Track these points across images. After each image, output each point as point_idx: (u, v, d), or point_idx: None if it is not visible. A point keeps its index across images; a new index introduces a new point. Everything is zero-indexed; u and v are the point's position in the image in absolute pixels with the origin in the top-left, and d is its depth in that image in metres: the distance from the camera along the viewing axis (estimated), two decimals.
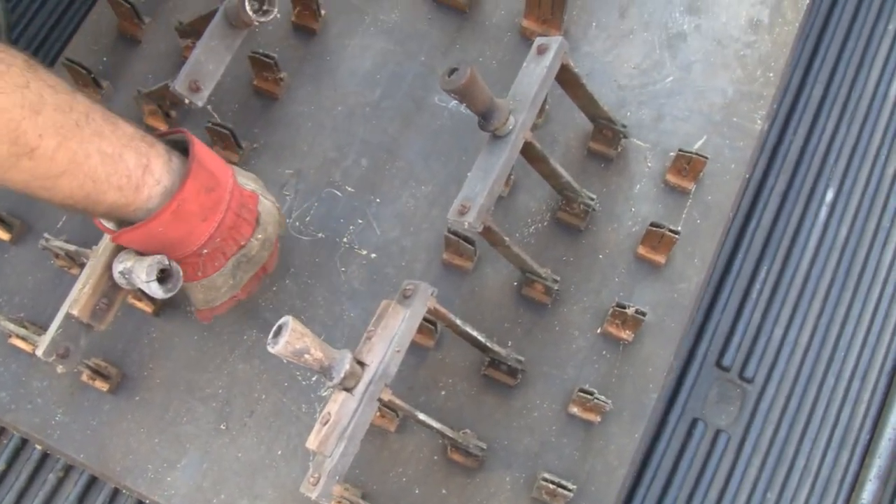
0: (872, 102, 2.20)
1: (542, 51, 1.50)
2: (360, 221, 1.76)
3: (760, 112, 1.79)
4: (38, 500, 1.92)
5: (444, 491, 1.62)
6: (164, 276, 1.40)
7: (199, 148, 1.40)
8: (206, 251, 1.44)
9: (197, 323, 1.72)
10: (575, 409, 1.63)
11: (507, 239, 1.52)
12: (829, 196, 2.13)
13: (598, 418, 1.62)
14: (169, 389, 1.71)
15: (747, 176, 1.78)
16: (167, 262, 1.40)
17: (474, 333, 1.53)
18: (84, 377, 1.70)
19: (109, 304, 1.50)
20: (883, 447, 1.98)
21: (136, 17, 1.90)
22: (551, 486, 1.54)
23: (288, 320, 1.27)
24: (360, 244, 1.75)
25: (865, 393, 2.02)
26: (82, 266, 1.54)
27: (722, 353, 2.03)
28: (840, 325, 2.05)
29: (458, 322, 1.50)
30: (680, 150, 1.68)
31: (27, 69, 1.21)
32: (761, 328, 2.04)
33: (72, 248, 1.66)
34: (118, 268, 1.45)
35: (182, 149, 1.43)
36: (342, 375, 1.33)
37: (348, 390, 1.36)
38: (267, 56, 1.78)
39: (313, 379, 1.68)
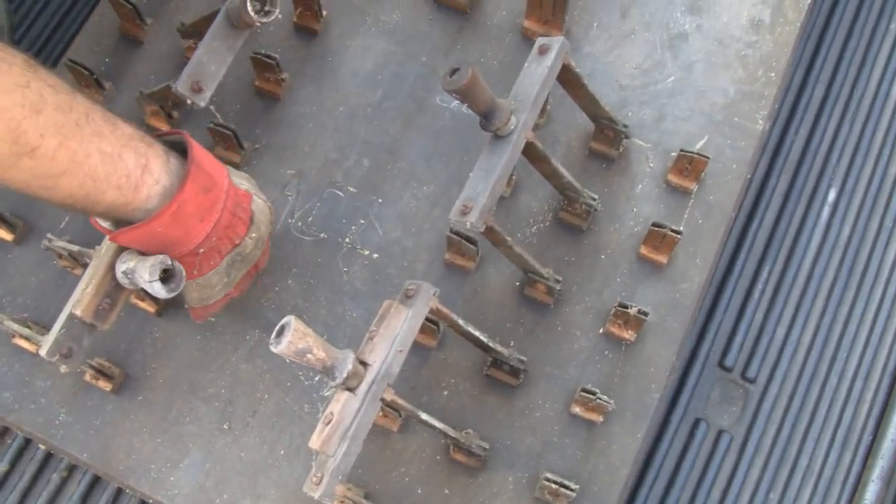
0: (874, 102, 2.20)
1: (543, 51, 1.50)
2: (362, 222, 1.77)
3: (762, 112, 1.79)
4: (42, 500, 1.93)
5: (446, 491, 1.62)
6: (166, 276, 1.41)
7: (198, 150, 1.41)
8: (202, 250, 1.45)
9: (200, 323, 1.73)
10: (577, 409, 1.63)
11: (509, 239, 1.53)
12: (832, 196, 2.13)
13: (601, 418, 1.62)
14: (172, 389, 1.71)
15: (749, 176, 1.78)
16: (170, 262, 1.40)
17: (477, 333, 1.53)
18: (87, 377, 1.70)
19: (112, 304, 1.50)
20: (885, 448, 1.98)
21: (138, 18, 1.90)
22: (554, 485, 1.54)
23: (290, 320, 1.27)
24: (363, 244, 1.75)
25: (868, 393, 2.02)
26: (85, 266, 1.54)
27: (724, 354, 2.03)
28: (843, 325, 2.05)
29: (461, 322, 1.50)
30: (682, 151, 1.68)
31: (27, 69, 1.21)
32: (763, 328, 2.05)
33: (75, 248, 1.67)
34: (121, 268, 1.45)
35: (179, 150, 1.44)
36: (345, 375, 1.33)
37: (351, 390, 1.36)
38: (269, 57, 1.78)
39: (316, 379, 1.68)
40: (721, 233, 1.72)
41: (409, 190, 1.78)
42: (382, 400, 1.39)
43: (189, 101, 1.59)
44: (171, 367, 1.72)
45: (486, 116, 1.43)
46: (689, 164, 1.69)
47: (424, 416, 1.47)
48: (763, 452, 1.98)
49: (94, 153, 1.27)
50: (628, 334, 1.66)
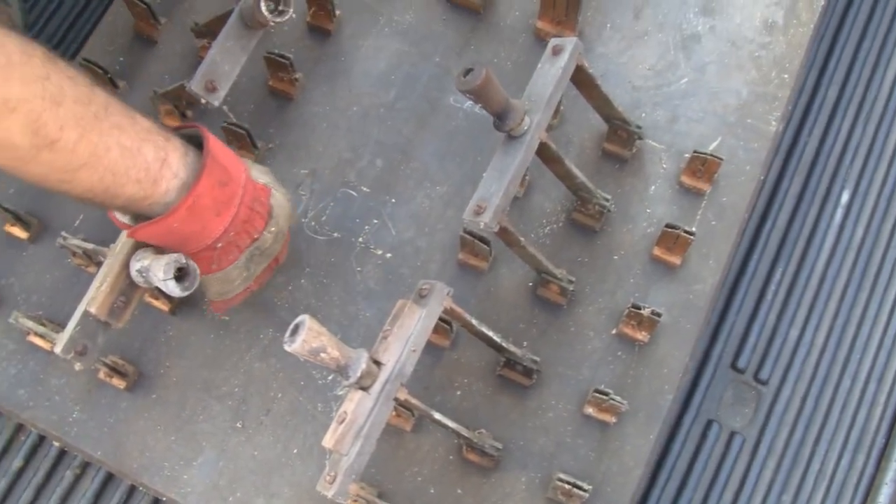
0: (888, 103, 2.19)
1: (557, 51, 1.50)
2: (375, 221, 1.77)
3: (775, 113, 1.78)
4: (56, 497, 1.93)
5: (459, 491, 1.63)
6: (181, 275, 1.41)
7: (214, 143, 1.40)
8: (220, 245, 1.44)
9: (213, 321, 1.73)
10: (590, 410, 1.63)
11: (522, 239, 1.53)
12: (845, 197, 2.13)
13: (614, 419, 1.62)
14: (185, 388, 1.72)
15: (762, 177, 1.78)
16: (184, 261, 1.41)
17: (490, 333, 1.53)
18: (101, 375, 1.71)
19: (127, 302, 1.50)
20: None
21: (152, 17, 1.91)
22: (567, 486, 1.54)
23: (305, 319, 1.28)
24: (376, 244, 1.76)
25: (881, 396, 2.02)
26: (99, 264, 1.54)
27: (737, 355, 2.03)
28: (856, 327, 2.05)
29: (474, 322, 1.50)
30: (695, 152, 1.68)
31: (47, 61, 1.21)
32: (776, 330, 2.04)
33: (89, 246, 1.67)
34: (135, 266, 1.46)
35: (197, 144, 1.44)
36: (359, 374, 1.33)
37: (364, 389, 1.36)
38: (282, 56, 1.79)
39: (329, 378, 1.69)
40: (734, 234, 1.72)
41: (423, 190, 1.78)
42: (396, 399, 1.39)
43: (203, 101, 1.60)
44: (185, 366, 1.73)
45: (500, 117, 1.44)
46: (703, 166, 1.69)
47: (438, 416, 1.47)
48: (776, 454, 1.98)
49: (113, 147, 1.28)
50: (641, 335, 1.66)
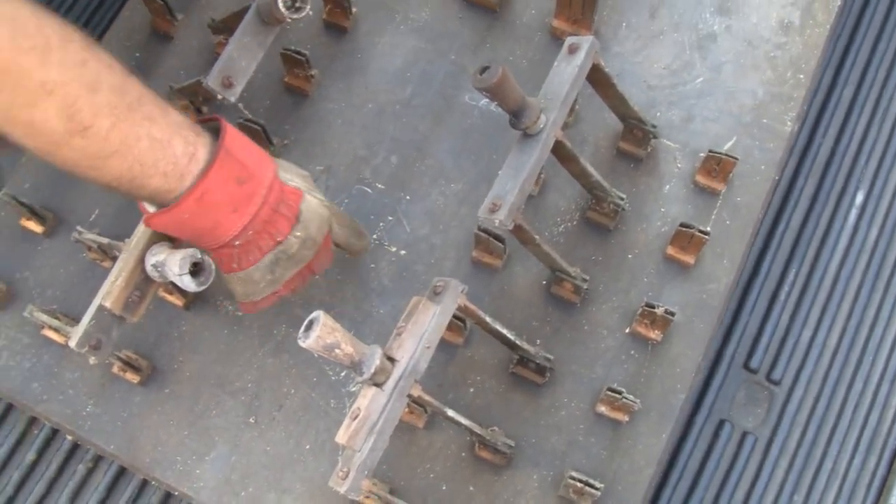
0: None
1: (573, 50, 1.50)
2: (390, 218, 1.77)
3: (790, 113, 1.78)
4: (68, 490, 1.94)
5: (471, 488, 1.63)
6: (196, 270, 1.41)
7: (231, 138, 1.38)
8: (238, 243, 1.42)
9: (227, 317, 1.74)
10: (603, 409, 1.63)
11: (537, 237, 1.53)
12: (859, 198, 2.13)
13: (626, 418, 1.62)
14: (199, 382, 1.72)
15: (777, 177, 1.78)
16: (200, 256, 1.41)
17: (504, 331, 1.53)
18: (115, 369, 1.71)
19: (141, 296, 1.51)
20: None
21: (168, 13, 1.92)
22: (579, 484, 1.54)
23: (319, 315, 1.28)
24: (390, 241, 1.76)
25: (894, 397, 2.01)
26: (114, 259, 1.55)
27: (750, 355, 2.03)
28: (869, 328, 2.04)
29: (488, 319, 1.50)
30: (710, 151, 1.68)
31: (85, 47, 1.21)
32: (789, 330, 2.04)
33: (104, 240, 1.68)
34: (151, 261, 1.46)
35: None
36: (372, 371, 1.33)
37: (378, 385, 1.36)
38: (298, 53, 1.79)
39: (342, 374, 1.69)
40: (749, 234, 1.72)
41: (438, 187, 1.78)
42: (409, 396, 1.39)
43: (219, 96, 1.60)
44: (199, 361, 1.73)
45: (516, 115, 1.44)
46: (718, 165, 1.69)
47: (451, 413, 1.48)
48: (787, 455, 1.98)
49: (144, 137, 1.27)
50: (655, 334, 1.66)
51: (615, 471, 1.61)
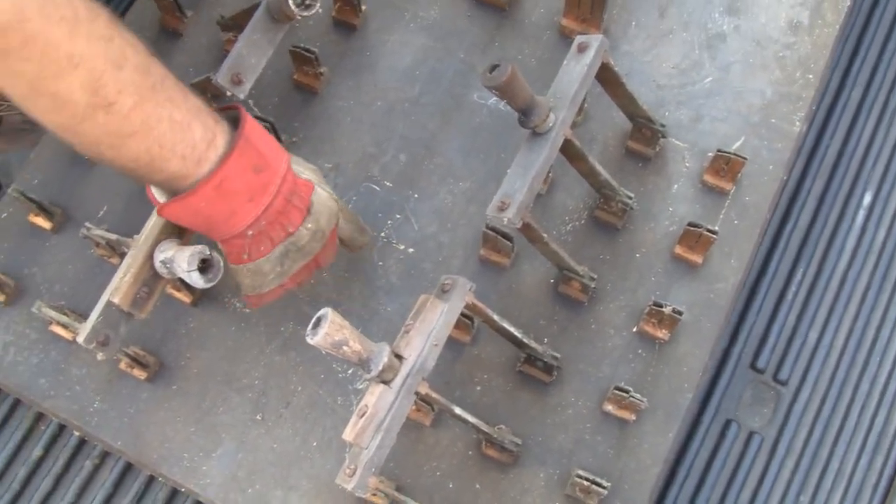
0: None
1: (582, 49, 1.50)
2: (397, 216, 1.77)
3: (799, 114, 1.78)
4: (75, 486, 1.94)
5: (477, 486, 1.63)
6: (205, 266, 1.42)
7: (250, 127, 1.38)
8: (251, 233, 1.42)
9: (235, 314, 1.74)
10: (610, 407, 1.63)
11: (545, 236, 1.53)
12: (867, 199, 2.12)
13: (633, 416, 1.62)
14: (206, 379, 1.72)
15: (785, 178, 1.78)
16: (208, 253, 1.41)
17: (511, 329, 1.53)
18: (122, 365, 1.71)
19: (150, 293, 1.51)
20: None
21: (178, 10, 1.92)
22: (585, 483, 1.54)
23: (327, 312, 1.28)
24: (398, 239, 1.76)
25: None
26: (122, 255, 1.55)
27: (756, 355, 2.02)
28: (876, 329, 2.04)
29: (496, 318, 1.50)
30: (718, 151, 1.68)
31: (112, 23, 1.21)
32: (796, 330, 2.04)
33: (113, 237, 1.68)
34: (159, 257, 1.47)
35: None
36: (380, 368, 1.34)
37: (386, 383, 1.36)
38: (307, 50, 1.79)
39: (349, 371, 1.69)
40: (756, 234, 1.72)
41: (446, 185, 1.78)
42: (417, 393, 1.39)
43: (229, 93, 1.60)
44: (206, 358, 1.74)
45: (525, 113, 1.44)
46: (726, 165, 1.69)
47: (458, 411, 1.48)
48: (794, 455, 1.98)
49: (165, 119, 1.27)
50: (662, 333, 1.66)
51: (622, 469, 1.61)
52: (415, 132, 1.82)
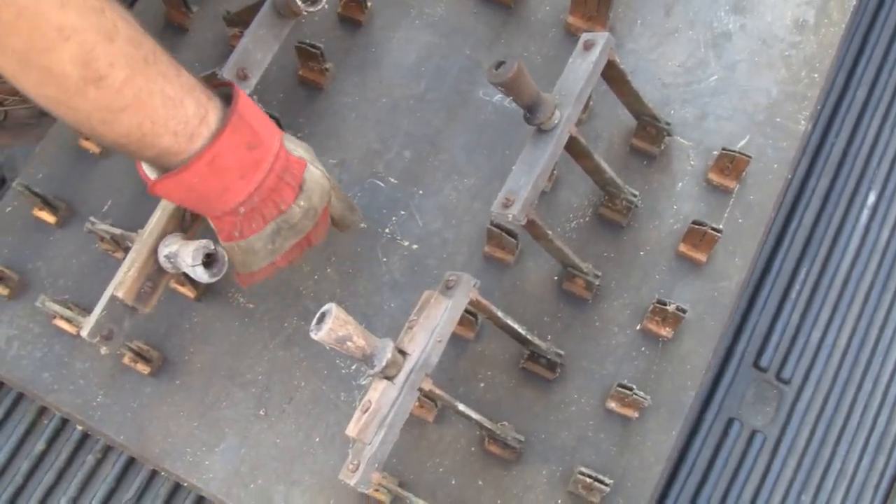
0: None
1: (588, 46, 1.50)
2: (402, 213, 1.77)
3: (804, 113, 1.78)
4: (77, 481, 1.95)
5: (480, 482, 1.63)
6: (209, 261, 1.41)
7: (244, 103, 1.37)
8: (243, 210, 1.41)
9: (238, 309, 1.74)
10: (613, 405, 1.63)
11: (550, 233, 1.53)
12: (871, 199, 2.13)
13: (636, 414, 1.62)
14: (209, 374, 1.72)
15: (789, 176, 1.78)
16: (213, 247, 1.41)
17: (515, 326, 1.53)
18: (126, 360, 1.71)
19: (154, 287, 1.51)
20: None
21: (183, 5, 1.92)
22: (588, 480, 1.54)
23: (331, 307, 1.28)
24: (402, 235, 1.76)
25: None
26: (126, 250, 1.55)
27: (760, 354, 2.03)
28: (879, 329, 2.04)
29: (500, 314, 1.50)
30: (723, 149, 1.68)
31: None
32: (800, 329, 2.04)
33: (117, 231, 1.68)
34: (163, 251, 1.47)
35: None
36: (384, 364, 1.34)
37: (389, 379, 1.36)
38: (313, 46, 1.79)
39: (353, 367, 1.69)
40: (761, 232, 1.72)
41: (451, 182, 1.78)
42: (420, 390, 1.39)
43: None
44: (209, 352, 1.74)
45: (531, 110, 1.44)
46: (731, 163, 1.68)
47: (461, 407, 1.48)
48: (796, 454, 1.98)
49: (157, 94, 1.26)
50: (665, 331, 1.66)
51: (624, 467, 1.61)
52: (420, 129, 1.82)
